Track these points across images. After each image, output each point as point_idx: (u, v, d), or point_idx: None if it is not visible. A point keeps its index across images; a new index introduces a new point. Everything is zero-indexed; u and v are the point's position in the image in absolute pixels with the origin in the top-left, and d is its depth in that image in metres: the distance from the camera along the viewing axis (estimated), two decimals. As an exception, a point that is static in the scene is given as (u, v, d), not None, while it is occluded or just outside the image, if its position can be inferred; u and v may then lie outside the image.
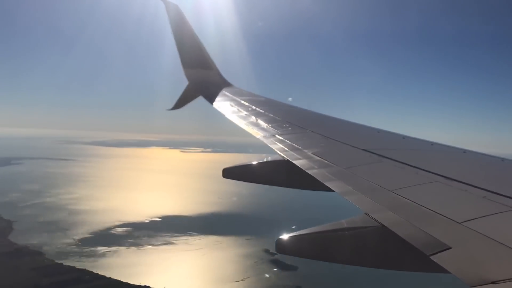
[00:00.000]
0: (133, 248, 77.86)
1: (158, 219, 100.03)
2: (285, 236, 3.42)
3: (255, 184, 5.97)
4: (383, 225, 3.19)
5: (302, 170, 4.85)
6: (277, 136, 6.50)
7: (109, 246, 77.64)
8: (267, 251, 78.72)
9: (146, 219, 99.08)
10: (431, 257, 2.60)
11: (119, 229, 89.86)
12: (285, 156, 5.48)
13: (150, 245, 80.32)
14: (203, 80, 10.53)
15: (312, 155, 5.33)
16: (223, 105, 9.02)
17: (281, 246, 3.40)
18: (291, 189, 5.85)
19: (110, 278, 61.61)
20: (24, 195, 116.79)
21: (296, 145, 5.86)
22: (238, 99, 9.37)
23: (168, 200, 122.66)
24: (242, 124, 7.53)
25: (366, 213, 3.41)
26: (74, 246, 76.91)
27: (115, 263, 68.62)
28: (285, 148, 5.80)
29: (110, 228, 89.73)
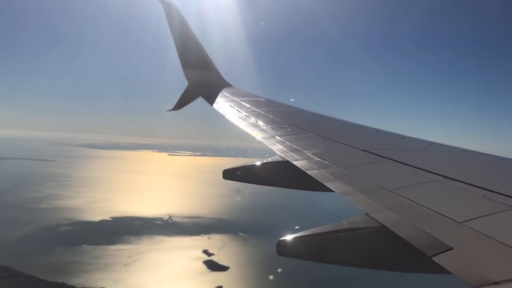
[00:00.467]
0: (69, 246, 77.54)
1: (109, 219, 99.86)
2: (285, 238, 3.39)
3: (252, 184, 5.98)
4: (383, 226, 3.17)
5: (302, 171, 4.85)
6: (277, 137, 6.52)
7: (48, 245, 77.40)
8: (205, 251, 78.58)
9: (96, 219, 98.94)
10: (433, 258, 2.58)
11: (64, 228, 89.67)
12: (285, 157, 5.48)
13: (87, 244, 79.90)
14: (202, 81, 10.54)
15: (312, 156, 5.34)
16: (223, 106, 9.01)
17: (281, 248, 3.37)
18: (290, 190, 5.84)
19: (30, 275, 61.34)
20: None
21: (296, 146, 5.88)
22: (238, 100, 9.39)
23: (133, 200, 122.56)
24: (241, 125, 7.51)
25: (366, 214, 3.41)
26: (11, 243, 76.82)
27: (40, 261, 68.24)
28: (285, 149, 5.81)
29: (55, 227, 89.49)
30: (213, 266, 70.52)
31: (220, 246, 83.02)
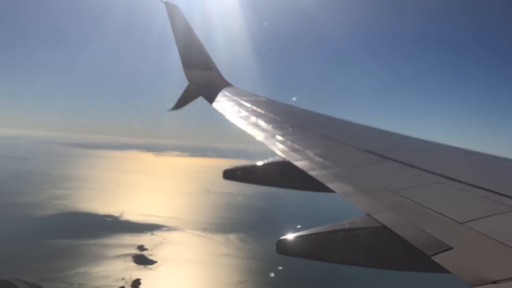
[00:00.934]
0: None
1: (59, 214, 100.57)
2: (285, 237, 3.40)
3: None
4: (384, 226, 3.19)
5: (303, 171, 4.83)
6: (278, 137, 6.47)
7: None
8: (140, 247, 79.20)
9: (47, 214, 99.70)
10: (433, 258, 2.61)
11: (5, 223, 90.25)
12: (285, 157, 5.45)
13: (30, 239, 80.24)
14: (203, 81, 10.59)
15: (313, 156, 5.31)
16: (223, 105, 9.01)
17: (281, 247, 3.39)
18: (291, 190, 5.87)
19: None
20: None
21: (297, 146, 5.84)
22: (238, 99, 9.39)
23: (94, 198, 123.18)
24: (242, 124, 7.48)
25: (367, 214, 3.42)
26: None
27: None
28: (286, 149, 5.78)
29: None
30: (141, 260, 71.39)
31: (158, 243, 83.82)
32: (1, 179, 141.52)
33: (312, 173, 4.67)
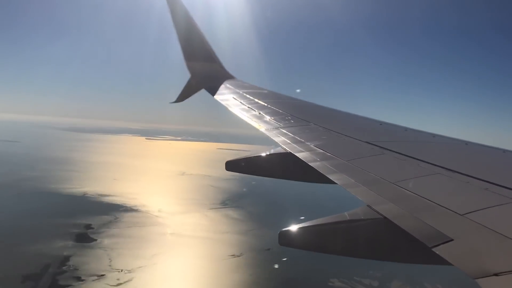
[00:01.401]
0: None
1: (19, 194, 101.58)
2: (286, 229, 3.44)
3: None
4: (385, 217, 3.21)
5: (305, 162, 4.88)
6: (280, 129, 6.54)
7: None
8: (88, 226, 79.65)
9: (10, 194, 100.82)
10: (433, 249, 2.62)
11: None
12: (287, 149, 5.50)
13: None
14: (205, 73, 10.62)
15: (315, 148, 5.35)
16: (226, 97, 9.03)
17: (283, 239, 3.43)
18: (293, 182, 5.88)
19: None
20: None
21: (298, 138, 5.89)
22: (240, 91, 9.41)
23: (63, 178, 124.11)
24: (244, 116, 7.52)
25: (368, 205, 3.44)
26: None
27: None
28: (288, 141, 5.82)
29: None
30: (81, 238, 71.96)
31: (107, 222, 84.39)
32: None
33: (313, 164, 4.72)
